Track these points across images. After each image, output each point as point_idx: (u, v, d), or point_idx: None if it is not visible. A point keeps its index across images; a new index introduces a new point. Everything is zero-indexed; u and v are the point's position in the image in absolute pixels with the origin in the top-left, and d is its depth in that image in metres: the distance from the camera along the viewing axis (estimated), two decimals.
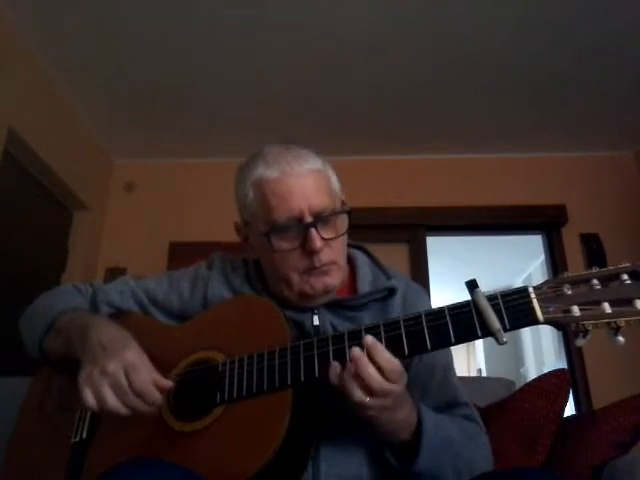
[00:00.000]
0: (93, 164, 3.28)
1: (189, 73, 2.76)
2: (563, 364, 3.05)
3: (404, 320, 0.78)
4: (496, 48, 2.58)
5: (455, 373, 1.01)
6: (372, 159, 3.45)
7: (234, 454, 0.77)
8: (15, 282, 2.52)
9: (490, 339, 0.74)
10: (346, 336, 0.80)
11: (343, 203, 0.98)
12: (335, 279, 0.93)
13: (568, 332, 0.72)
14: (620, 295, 0.70)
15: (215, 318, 0.96)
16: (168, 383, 0.83)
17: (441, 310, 0.77)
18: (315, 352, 0.80)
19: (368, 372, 0.74)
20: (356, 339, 0.79)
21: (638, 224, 3.20)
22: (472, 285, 0.77)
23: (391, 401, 0.76)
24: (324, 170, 0.96)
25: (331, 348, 0.80)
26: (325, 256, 0.90)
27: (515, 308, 0.73)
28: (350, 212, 0.94)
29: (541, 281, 0.76)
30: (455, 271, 4.58)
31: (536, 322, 0.72)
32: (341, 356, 0.78)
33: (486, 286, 0.77)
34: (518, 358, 5.70)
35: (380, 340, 0.77)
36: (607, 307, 0.69)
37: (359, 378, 0.74)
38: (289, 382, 0.80)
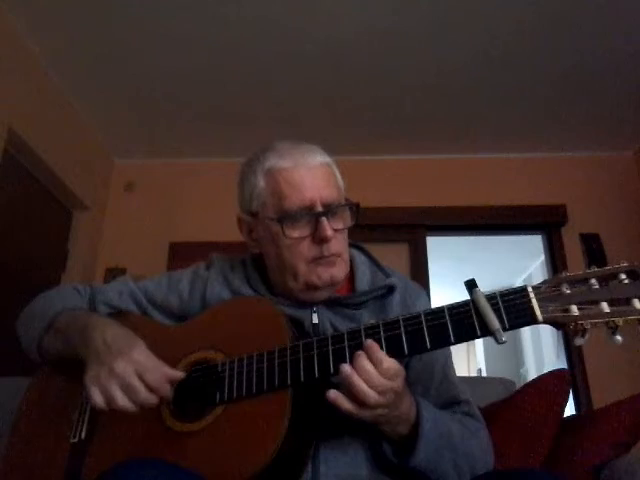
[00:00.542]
0: (93, 164, 3.28)
1: (189, 73, 2.76)
2: (563, 364, 3.05)
3: (404, 320, 0.78)
4: (496, 48, 2.58)
5: (455, 371, 1.01)
6: (372, 159, 3.45)
7: (234, 454, 0.77)
8: (15, 282, 2.52)
9: (490, 339, 0.74)
10: (346, 336, 0.80)
11: (346, 200, 0.99)
12: (341, 271, 0.95)
13: (567, 331, 0.72)
14: (618, 294, 0.70)
15: (214, 318, 0.96)
16: (179, 374, 0.84)
17: (440, 310, 0.77)
18: (315, 352, 0.80)
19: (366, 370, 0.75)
20: (356, 339, 0.79)
21: (638, 224, 3.20)
22: (471, 285, 0.77)
23: (392, 397, 0.76)
24: (332, 165, 1.00)
25: (330, 348, 0.80)
26: (333, 246, 0.92)
27: (514, 308, 0.73)
28: (358, 205, 0.96)
29: (541, 281, 0.76)
30: (455, 271, 4.59)
31: (535, 321, 0.73)
32: (341, 356, 0.79)
33: (486, 286, 0.77)
34: (518, 358, 5.70)
35: (380, 340, 0.78)
36: (605, 306, 0.70)
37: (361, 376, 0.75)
38: (289, 382, 0.80)
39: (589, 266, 0.74)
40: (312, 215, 0.92)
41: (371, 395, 0.73)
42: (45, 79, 2.70)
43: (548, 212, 3.31)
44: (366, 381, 0.74)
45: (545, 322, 0.72)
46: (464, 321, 0.75)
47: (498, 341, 0.72)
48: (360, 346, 0.78)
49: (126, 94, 2.92)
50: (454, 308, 0.77)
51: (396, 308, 0.98)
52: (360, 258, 1.06)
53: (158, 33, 2.49)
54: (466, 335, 0.75)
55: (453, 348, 0.89)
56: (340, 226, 0.95)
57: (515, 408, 1.35)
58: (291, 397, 0.78)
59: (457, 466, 0.85)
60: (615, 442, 1.21)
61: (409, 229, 3.36)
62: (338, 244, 0.94)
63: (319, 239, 0.91)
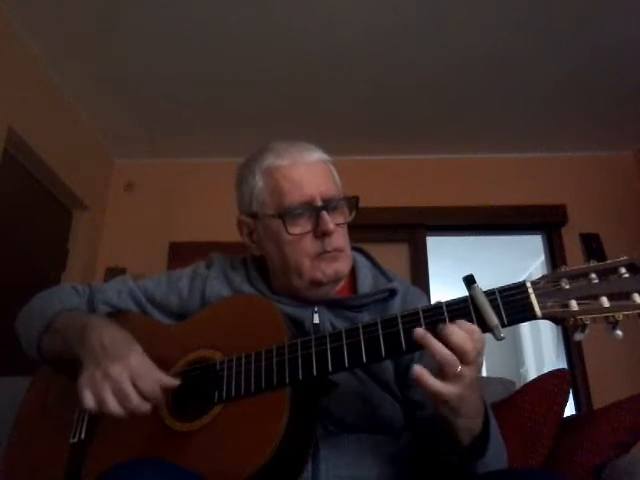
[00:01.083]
0: (93, 164, 3.28)
1: (189, 73, 2.76)
2: (563, 364, 3.05)
3: (402, 317, 0.78)
4: (496, 49, 2.58)
5: None
6: (372, 159, 3.45)
7: (233, 453, 0.77)
8: (15, 282, 2.52)
9: (490, 338, 0.74)
10: (344, 334, 0.80)
11: (344, 195, 1.00)
12: (344, 266, 0.95)
13: (566, 327, 0.72)
14: (618, 289, 0.69)
15: (213, 317, 0.96)
16: (173, 383, 0.84)
17: (439, 306, 0.77)
18: (313, 350, 0.80)
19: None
20: (354, 337, 0.79)
21: (638, 224, 3.20)
22: (470, 281, 0.76)
23: (469, 381, 0.72)
24: (329, 162, 1.01)
25: (329, 346, 0.79)
26: (335, 241, 0.93)
27: (513, 303, 0.73)
28: (357, 199, 0.97)
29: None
30: (455, 271, 4.57)
31: (534, 317, 0.72)
32: (339, 354, 0.78)
33: (486, 286, 0.76)
34: (518, 358, 5.70)
35: (377, 337, 0.77)
36: (605, 301, 0.69)
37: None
38: (287, 380, 0.79)
39: (588, 261, 0.73)
40: (313, 210, 0.92)
41: (450, 357, 0.69)
42: (45, 79, 2.70)
43: (548, 212, 3.31)
44: (453, 343, 0.70)
45: (544, 317, 0.72)
46: (462, 317, 0.74)
47: (497, 337, 0.71)
48: (358, 344, 0.78)
49: (126, 94, 2.92)
50: (452, 304, 0.76)
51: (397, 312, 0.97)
52: (362, 261, 1.06)
53: (158, 33, 2.49)
54: None
55: None
56: (341, 220, 0.95)
57: (515, 408, 1.35)
58: (290, 395, 0.78)
59: (500, 461, 0.84)
60: (615, 442, 1.21)
61: (409, 229, 3.35)
62: (340, 238, 0.94)
63: (321, 233, 0.91)
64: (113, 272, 3.09)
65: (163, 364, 0.86)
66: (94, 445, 0.89)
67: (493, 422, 0.81)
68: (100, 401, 0.79)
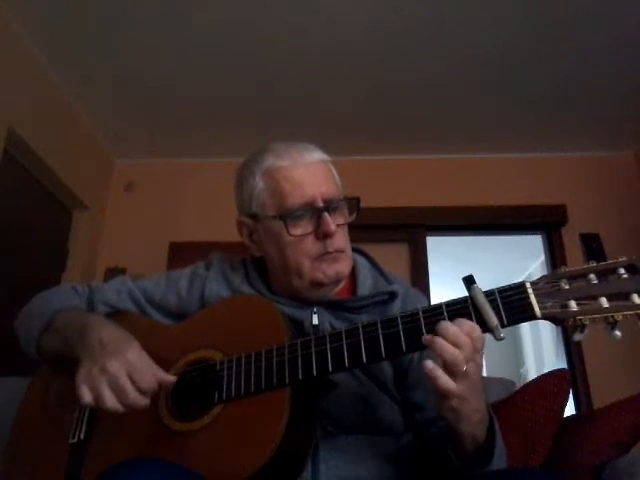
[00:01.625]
0: (93, 164, 3.28)
1: (189, 73, 2.76)
2: (563, 364, 3.05)
3: (401, 317, 0.78)
4: (497, 49, 2.58)
5: None
6: (372, 159, 3.44)
7: (233, 453, 0.77)
8: (15, 282, 2.52)
9: (490, 338, 0.74)
10: (344, 334, 0.80)
11: (345, 196, 0.99)
12: (345, 267, 0.95)
13: (566, 327, 0.72)
14: (617, 289, 0.69)
15: (213, 317, 0.96)
16: (171, 379, 0.84)
17: (438, 306, 0.77)
18: (313, 350, 0.80)
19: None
20: (353, 337, 0.79)
21: (638, 224, 3.20)
22: (469, 281, 0.76)
23: (474, 383, 0.72)
24: (329, 163, 1.00)
25: (329, 346, 0.79)
26: (336, 242, 0.92)
27: (513, 304, 0.73)
28: (358, 200, 0.97)
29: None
30: (455, 271, 4.57)
31: (534, 317, 0.72)
32: (339, 354, 0.78)
33: (486, 286, 0.76)
34: (518, 358, 5.70)
35: (377, 337, 0.77)
36: (604, 302, 0.69)
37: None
38: (287, 380, 0.79)
39: (588, 261, 0.74)
40: (314, 211, 0.92)
41: (459, 355, 0.69)
42: (45, 79, 2.70)
43: (548, 212, 3.31)
44: (454, 341, 0.70)
45: (544, 318, 0.72)
46: (462, 318, 0.74)
47: (496, 337, 0.71)
48: (358, 344, 0.78)
49: (126, 94, 2.92)
50: (452, 305, 0.76)
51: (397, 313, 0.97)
52: (362, 262, 1.06)
53: (158, 33, 2.49)
54: None
55: None
56: (341, 221, 0.95)
57: (515, 408, 1.35)
58: (290, 395, 0.78)
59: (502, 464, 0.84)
60: (615, 442, 1.22)
61: (409, 229, 3.35)
62: (341, 239, 0.94)
63: (322, 234, 0.91)
64: (113, 272, 3.09)
65: (162, 364, 0.86)
66: (94, 445, 0.89)
67: (499, 435, 0.81)
68: (97, 396, 0.79)
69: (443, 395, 0.71)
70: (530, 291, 0.73)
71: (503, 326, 0.73)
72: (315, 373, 0.79)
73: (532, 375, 5.01)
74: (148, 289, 1.06)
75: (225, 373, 0.84)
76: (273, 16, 2.39)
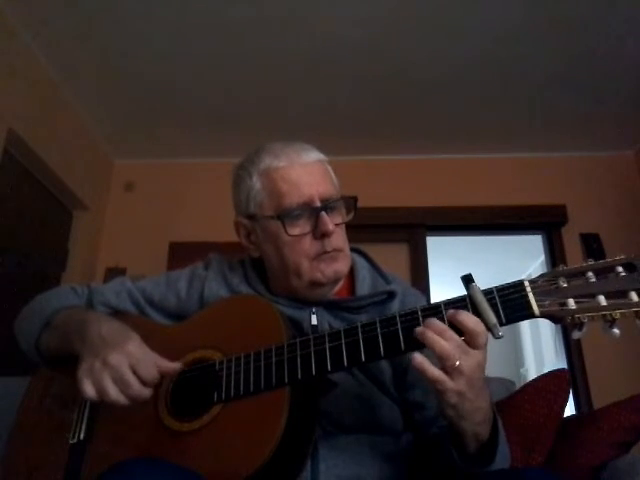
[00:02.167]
0: (93, 164, 3.28)
1: (189, 73, 2.76)
2: (563, 364, 3.05)
3: (400, 316, 0.78)
4: (496, 48, 2.58)
5: None
6: (372, 159, 3.45)
7: (233, 453, 0.77)
8: (15, 282, 2.52)
9: (489, 337, 0.74)
10: (343, 333, 0.80)
11: (342, 195, 0.99)
12: (344, 266, 0.95)
13: (564, 325, 0.72)
14: (615, 287, 0.70)
15: (212, 317, 0.96)
16: (173, 366, 0.84)
17: (437, 305, 0.77)
18: (312, 349, 0.80)
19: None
20: (353, 336, 0.79)
21: (638, 224, 3.20)
22: (468, 280, 0.77)
23: (473, 380, 0.72)
24: (325, 162, 1.00)
25: (328, 345, 0.80)
26: (334, 241, 0.93)
27: (511, 302, 0.73)
28: (356, 199, 0.97)
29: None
30: (455, 271, 4.56)
31: (532, 316, 0.72)
32: (338, 353, 0.78)
33: (485, 286, 0.76)
34: (518, 358, 5.70)
35: (376, 337, 0.77)
36: (602, 300, 0.70)
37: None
38: (286, 380, 0.79)
39: (586, 260, 0.74)
40: (312, 211, 0.92)
41: (448, 348, 0.70)
42: (45, 79, 2.69)
43: (548, 212, 3.31)
44: (440, 334, 0.71)
45: (542, 316, 0.72)
46: None
47: (495, 336, 0.71)
48: (357, 343, 0.78)
49: (126, 94, 2.92)
50: (451, 303, 0.76)
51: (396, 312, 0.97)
52: (361, 262, 1.06)
53: (158, 34, 2.49)
54: None
55: None
56: (339, 220, 0.95)
57: (515, 408, 1.36)
58: (289, 395, 0.78)
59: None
60: (615, 442, 1.22)
61: (409, 229, 3.35)
62: (339, 239, 0.94)
63: (320, 234, 0.91)
64: (113, 272, 3.09)
65: None
66: (94, 445, 0.89)
67: (502, 435, 0.80)
68: (101, 390, 0.79)
69: (438, 390, 0.71)
70: (529, 289, 0.73)
71: (502, 324, 0.73)
72: (314, 372, 0.79)
73: (532, 375, 5.01)
74: (147, 290, 1.06)
75: (224, 373, 0.84)
76: (272, 15, 2.38)
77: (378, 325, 0.78)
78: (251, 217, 0.98)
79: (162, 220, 3.35)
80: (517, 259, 4.80)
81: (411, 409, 0.94)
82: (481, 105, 3.02)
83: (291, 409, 0.77)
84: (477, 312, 0.73)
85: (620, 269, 0.70)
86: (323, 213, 0.91)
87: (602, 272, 0.71)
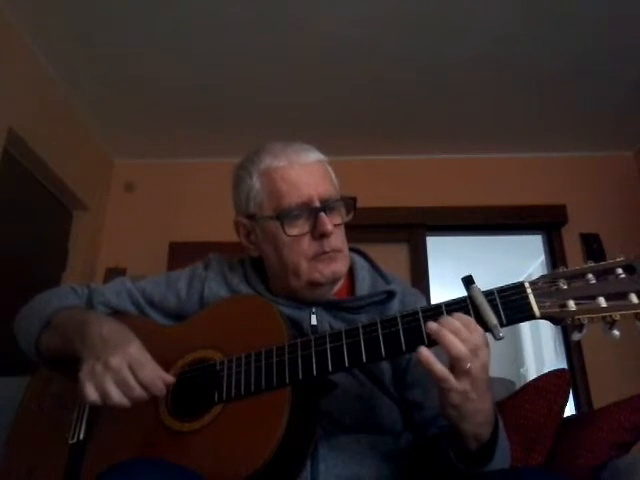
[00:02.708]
0: (93, 164, 3.28)
1: (189, 73, 2.76)
2: (563, 364, 3.05)
3: (401, 317, 0.78)
4: (496, 48, 2.58)
5: None
6: (372, 159, 3.45)
7: (233, 453, 0.77)
8: (15, 282, 2.52)
9: (489, 338, 0.74)
10: (343, 334, 0.80)
11: (341, 196, 0.99)
12: (342, 266, 0.95)
13: (564, 327, 0.72)
14: (615, 289, 0.70)
15: (212, 317, 0.96)
16: (171, 378, 0.84)
17: (438, 306, 0.77)
18: (313, 350, 0.80)
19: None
20: (353, 337, 0.79)
21: (638, 224, 3.20)
22: (468, 281, 0.77)
23: (478, 381, 0.72)
24: (325, 163, 1.00)
25: (329, 346, 0.80)
26: (333, 241, 0.93)
27: (511, 303, 0.73)
28: (355, 200, 0.97)
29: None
30: (455, 271, 4.57)
31: (533, 317, 0.73)
32: (339, 354, 0.78)
33: (486, 286, 0.76)
34: (518, 358, 5.70)
35: (377, 338, 0.77)
36: (602, 301, 0.70)
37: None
38: (287, 380, 0.79)
39: (587, 262, 0.74)
40: (310, 211, 0.92)
41: (462, 349, 0.69)
42: (45, 79, 2.69)
43: (548, 212, 3.31)
44: (455, 334, 0.70)
45: (542, 317, 0.72)
46: None
47: (496, 337, 0.72)
48: (358, 344, 0.78)
49: (126, 94, 2.92)
50: (451, 304, 0.76)
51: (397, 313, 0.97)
52: (361, 262, 1.06)
53: (158, 34, 2.49)
54: None
55: None
56: (338, 221, 0.95)
57: (515, 408, 1.36)
58: (290, 395, 0.78)
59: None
60: (615, 442, 1.22)
61: (409, 229, 3.35)
62: (338, 239, 0.94)
63: (319, 234, 0.91)
64: (113, 272, 3.08)
65: (162, 364, 0.86)
66: (93, 445, 0.89)
67: (502, 435, 0.81)
68: (103, 394, 0.79)
69: (443, 389, 0.71)
70: (529, 291, 0.73)
71: (502, 326, 0.73)
72: (315, 373, 0.79)
73: (532, 375, 5.01)
74: (147, 290, 1.06)
75: (225, 373, 0.84)
76: (272, 15, 2.38)
77: (379, 326, 0.78)
78: (251, 217, 0.99)
79: (162, 220, 3.35)
80: (517, 259, 4.80)
81: (410, 409, 0.94)
82: (481, 105, 3.02)
83: (292, 409, 0.77)
84: (478, 313, 0.73)
85: (620, 271, 0.71)
86: (322, 213, 0.91)
87: (602, 274, 0.72)
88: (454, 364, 0.70)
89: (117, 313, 1.04)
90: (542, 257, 3.75)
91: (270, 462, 0.73)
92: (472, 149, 3.43)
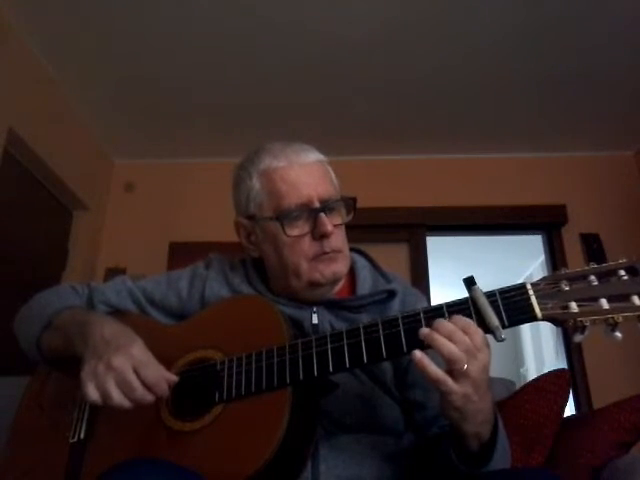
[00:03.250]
0: (93, 164, 3.28)
1: (189, 73, 2.76)
2: (563, 364, 3.05)
3: (402, 317, 0.78)
4: (497, 48, 2.58)
5: None
6: (372, 159, 3.45)
7: (233, 453, 0.77)
8: (15, 282, 2.52)
9: (490, 339, 0.74)
10: (344, 334, 0.80)
11: (341, 196, 0.99)
12: (343, 266, 0.95)
13: (566, 328, 0.72)
14: (617, 291, 0.70)
15: (213, 317, 0.96)
16: (174, 378, 0.84)
17: (439, 307, 0.77)
18: (314, 350, 0.80)
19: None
20: (355, 337, 0.79)
21: (638, 224, 3.20)
22: (470, 282, 0.76)
23: (479, 382, 0.71)
24: (325, 163, 1.00)
25: (330, 346, 0.80)
26: (333, 242, 0.93)
27: (513, 305, 0.73)
28: (355, 200, 0.97)
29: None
30: (455, 271, 4.57)
31: (534, 318, 0.72)
32: (340, 355, 0.78)
33: (486, 286, 0.76)
34: (518, 358, 5.70)
35: (378, 338, 0.77)
36: (605, 303, 0.70)
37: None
38: (288, 381, 0.79)
39: (588, 262, 0.74)
40: (310, 212, 0.92)
41: (454, 350, 0.69)
42: (45, 79, 2.69)
43: (548, 212, 3.31)
44: (449, 337, 0.70)
45: (544, 319, 0.72)
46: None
47: (497, 339, 0.71)
48: (359, 345, 0.78)
49: (126, 94, 2.92)
50: (453, 305, 0.76)
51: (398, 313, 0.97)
52: (361, 262, 1.06)
53: (158, 34, 2.49)
54: None
55: None
56: (338, 221, 0.95)
57: (515, 408, 1.36)
58: (290, 396, 0.78)
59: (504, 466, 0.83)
60: (615, 442, 1.22)
61: (409, 229, 3.35)
62: (338, 239, 0.94)
63: (319, 235, 0.91)
64: (113, 272, 3.08)
65: (163, 364, 0.86)
66: (94, 445, 0.89)
67: (502, 434, 0.80)
68: (104, 394, 0.78)
69: (443, 392, 0.71)
70: (531, 292, 0.73)
71: (504, 327, 0.73)
72: (316, 373, 0.79)
73: (532, 375, 5.01)
74: (148, 289, 1.06)
75: (226, 373, 0.84)
76: (272, 15, 2.38)
77: (380, 327, 0.78)
78: (251, 218, 0.99)
79: (162, 220, 3.34)
80: (517, 259, 4.80)
81: (412, 409, 0.94)
82: (481, 105, 3.02)
83: (292, 410, 0.77)
84: (479, 314, 0.73)
85: (622, 273, 0.70)
86: (322, 214, 0.91)
87: (604, 275, 0.71)
88: (449, 366, 0.70)
89: (118, 312, 1.04)
90: (542, 257, 3.75)
91: (271, 462, 0.73)
92: (472, 149, 3.43)
